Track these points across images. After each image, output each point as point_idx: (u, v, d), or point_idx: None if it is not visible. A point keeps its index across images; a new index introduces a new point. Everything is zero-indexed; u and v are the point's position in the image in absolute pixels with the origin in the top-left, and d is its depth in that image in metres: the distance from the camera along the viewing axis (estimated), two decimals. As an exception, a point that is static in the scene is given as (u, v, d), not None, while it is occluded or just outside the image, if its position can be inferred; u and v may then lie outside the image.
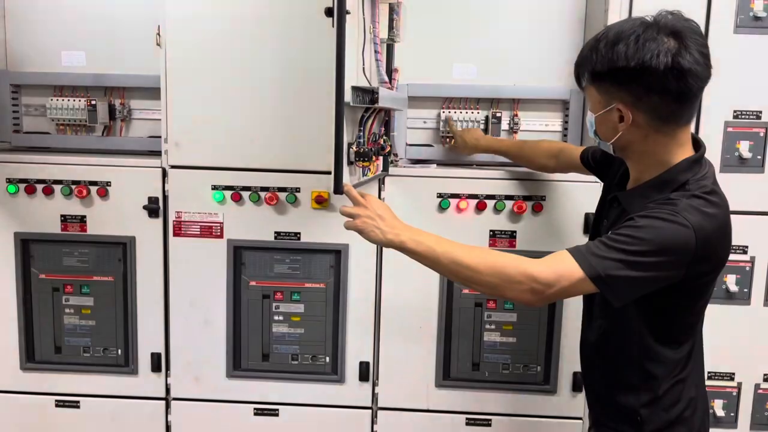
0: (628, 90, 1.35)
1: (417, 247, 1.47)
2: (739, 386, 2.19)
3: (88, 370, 2.24)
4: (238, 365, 2.21)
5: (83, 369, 2.24)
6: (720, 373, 2.18)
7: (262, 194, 2.12)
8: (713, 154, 2.01)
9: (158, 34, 2.06)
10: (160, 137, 2.13)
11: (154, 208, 2.13)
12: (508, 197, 2.10)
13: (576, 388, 2.16)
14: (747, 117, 2.09)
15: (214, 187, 2.12)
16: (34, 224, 2.17)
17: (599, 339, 1.54)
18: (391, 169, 2.12)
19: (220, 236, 2.14)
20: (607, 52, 1.35)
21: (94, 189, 2.14)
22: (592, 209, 2.05)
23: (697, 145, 1.45)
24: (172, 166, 2.12)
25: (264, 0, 2.03)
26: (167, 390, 2.24)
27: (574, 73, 1.47)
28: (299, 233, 2.14)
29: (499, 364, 2.19)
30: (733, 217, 1.43)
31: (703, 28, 1.83)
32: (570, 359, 2.15)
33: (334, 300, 2.17)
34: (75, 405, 2.26)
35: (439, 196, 2.11)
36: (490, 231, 2.12)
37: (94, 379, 2.24)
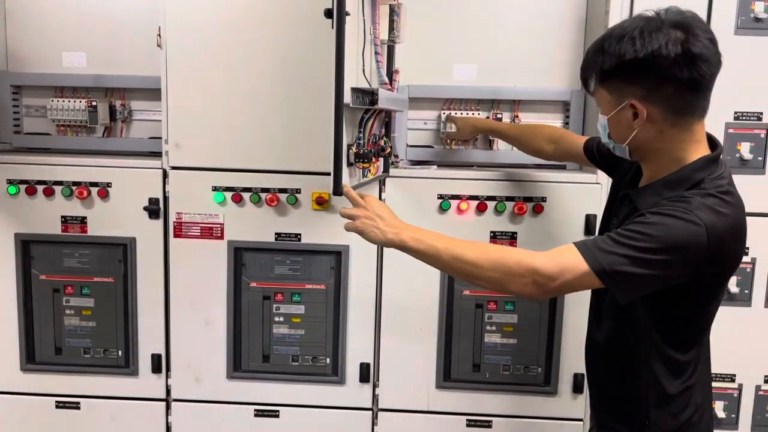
0: (639, 84, 1.33)
1: (417, 245, 1.46)
2: (740, 387, 2.19)
3: (89, 371, 2.24)
4: (238, 366, 2.21)
5: (83, 370, 2.24)
6: (721, 374, 2.17)
7: (263, 195, 2.12)
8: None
9: (159, 35, 2.06)
10: (160, 138, 2.13)
11: (155, 209, 2.13)
12: (509, 198, 2.10)
13: (577, 389, 2.16)
14: (748, 118, 2.09)
15: (215, 188, 2.12)
16: (34, 225, 2.18)
17: (607, 340, 1.52)
18: (392, 171, 2.11)
19: (221, 237, 2.14)
20: (613, 49, 1.33)
21: (94, 190, 2.14)
22: (593, 210, 2.06)
23: (714, 144, 1.42)
24: (173, 167, 2.12)
25: (264, 1, 2.03)
26: (167, 391, 2.24)
27: (581, 78, 1.44)
28: (300, 234, 2.14)
29: (499, 365, 2.19)
30: (733, 218, 1.42)
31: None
32: (571, 360, 2.15)
33: (334, 301, 2.17)
34: (75, 406, 2.26)
35: (440, 197, 2.11)
36: (491, 232, 2.12)
37: (95, 380, 2.24)
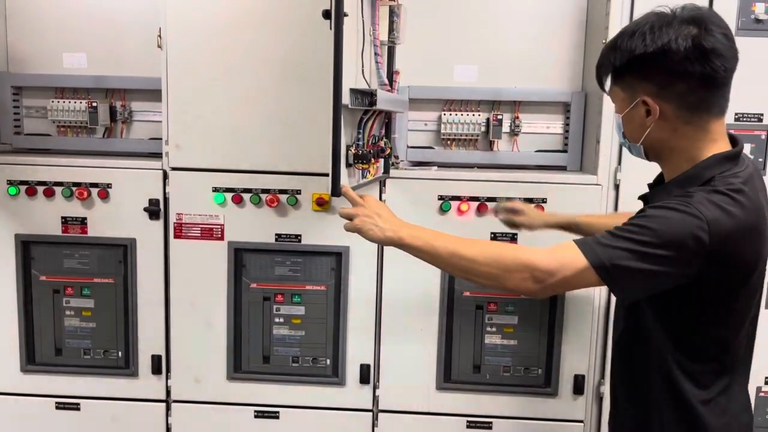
0: (651, 80, 1.31)
1: (416, 242, 1.44)
2: (741, 389, 2.18)
3: (89, 372, 2.24)
4: (238, 367, 2.21)
5: (84, 371, 2.24)
6: (722, 376, 2.16)
7: (263, 196, 2.11)
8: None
9: (159, 36, 2.06)
10: (160, 139, 2.13)
11: (155, 210, 2.13)
12: (509, 199, 2.10)
13: (577, 390, 2.16)
14: (748, 120, 2.08)
15: (215, 189, 2.12)
16: (34, 226, 2.18)
17: (620, 342, 1.49)
18: (392, 172, 2.11)
19: (221, 238, 2.14)
20: (625, 45, 1.31)
21: (95, 191, 2.14)
22: (593, 211, 2.05)
23: (735, 143, 1.36)
24: (173, 168, 2.12)
25: (264, 2, 2.03)
26: (168, 392, 2.24)
27: (596, 77, 1.42)
28: (300, 235, 2.14)
29: (500, 366, 2.19)
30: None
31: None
32: (571, 362, 2.14)
33: (334, 302, 2.17)
34: (75, 407, 2.26)
35: (441, 198, 2.11)
36: (491, 233, 2.11)
37: (95, 381, 2.24)
